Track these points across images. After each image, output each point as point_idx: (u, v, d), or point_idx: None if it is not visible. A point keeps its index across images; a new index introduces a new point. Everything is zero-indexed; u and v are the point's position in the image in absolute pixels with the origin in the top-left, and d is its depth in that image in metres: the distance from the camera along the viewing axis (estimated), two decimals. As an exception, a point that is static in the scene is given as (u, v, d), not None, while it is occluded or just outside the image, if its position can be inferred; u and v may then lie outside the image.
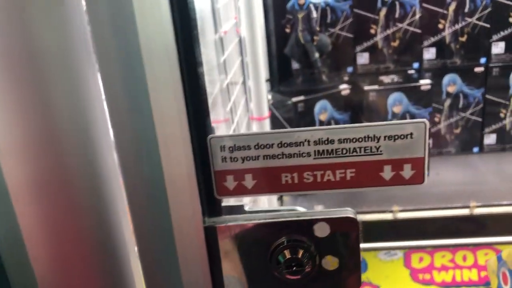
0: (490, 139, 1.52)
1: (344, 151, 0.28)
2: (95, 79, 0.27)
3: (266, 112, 1.07)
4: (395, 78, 1.37)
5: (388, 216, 1.28)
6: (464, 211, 1.26)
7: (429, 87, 1.32)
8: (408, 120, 0.28)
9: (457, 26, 1.39)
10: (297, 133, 0.28)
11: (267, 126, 1.10)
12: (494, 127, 1.50)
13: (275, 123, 1.41)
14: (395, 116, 1.34)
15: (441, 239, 1.39)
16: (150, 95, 0.25)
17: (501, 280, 0.85)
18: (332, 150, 0.28)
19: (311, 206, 1.27)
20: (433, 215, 1.27)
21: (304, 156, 0.29)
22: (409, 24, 1.39)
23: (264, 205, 1.08)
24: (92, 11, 0.25)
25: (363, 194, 1.37)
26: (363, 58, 1.44)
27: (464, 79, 1.45)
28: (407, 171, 0.29)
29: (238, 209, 0.32)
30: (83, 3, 0.26)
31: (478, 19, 1.39)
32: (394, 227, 1.36)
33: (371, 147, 0.28)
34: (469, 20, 1.39)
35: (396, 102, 1.33)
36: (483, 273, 1.38)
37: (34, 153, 0.26)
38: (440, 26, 1.40)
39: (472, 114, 1.49)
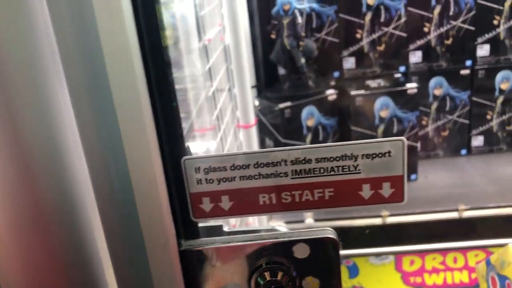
0: (477, 141, 1.53)
1: (322, 171, 0.28)
2: (64, 100, 0.26)
3: (252, 120, 1.07)
4: (381, 82, 1.38)
5: (377, 221, 1.27)
6: (453, 214, 1.26)
7: (415, 90, 1.32)
8: (385, 139, 0.27)
9: (442, 29, 1.40)
10: (274, 153, 0.28)
11: (254, 134, 1.09)
12: (481, 129, 1.51)
13: (262, 129, 1.41)
14: (382, 120, 1.34)
15: (431, 243, 1.39)
16: (119, 120, 0.24)
17: (490, 285, 0.85)
18: (309, 169, 0.28)
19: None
20: (422, 219, 1.27)
21: (282, 176, 0.28)
22: (395, 28, 1.39)
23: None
24: (58, 28, 0.24)
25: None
26: (349, 63, 1.44)
27: (450, 82, 1.45)
28: (386, 190, 0.28)
29: (216, 230, 0.31)
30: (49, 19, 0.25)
31: (463, 22, 1.40)
32: (383, 231, 1.36)
33: (349, 166, 0.28)
34: (454, 23, 1.39)
35: (383, 106, 1.33)
36: (473, 275, 1.38)
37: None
38: (426, 29, 1.40)
39: (459, 116, 1.49)
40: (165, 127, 0.27)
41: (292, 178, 0.28)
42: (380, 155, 0.28)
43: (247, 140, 1.07)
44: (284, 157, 0.28)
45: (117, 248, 0.29)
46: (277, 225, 0.32)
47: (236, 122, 1.11)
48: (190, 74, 1.19)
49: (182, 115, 1.46)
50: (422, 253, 1.39)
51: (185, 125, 1.26)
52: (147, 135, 0.25)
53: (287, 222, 1.27)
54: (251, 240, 0.29)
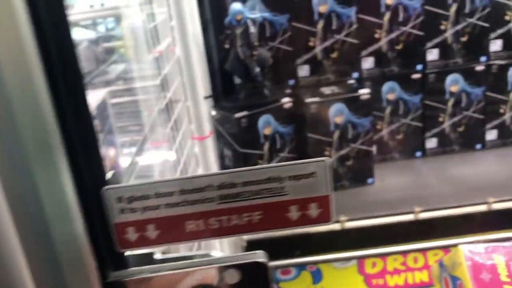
0: (431, 143, 1.57)
1: (249, 194, 0.27)
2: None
3: (207, 131, 1.06)
4: (335, 89, 1.40)
5: (336, 227, 1.29)
6: (409, 217, 1.29)
7: (368, 96, 1.35)
8: (309, 160, 0.27)
9: (393, 35, 1.43)
10: (199, 178, 0.27)
11: (209, 145, 1.09)
12: (434, 131, 1.56)
13: (220, 139, 1.40)
14: (337, 126, 1.36)
15: (391, 245, 1.42)
16: (26, 148, 0.23)
17: (443, 285, 0.87)
18: (236, 193, 0.27)
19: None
20: (379, 222, 1.29)
21: (208, 202, 0.27)
22: (347, 35, 1.42)
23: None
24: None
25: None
26: (304, 71, 1.46)
27: (402, 86, 1.49)
28: (313, 210, 0.28)
29: (147, 258, 0.31)
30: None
31: (412, 27, 1.44)
32: (343, 236, 1.38)
33: (275, 188, 0.27)
34: (403, 28, 1.43)
35: (338, 112, 1.35)
36: (432, 274, 1.41)
37: None
38: (377, 35, 1.44)
39: (412, 119, 1.53)
40: (82, 154, 0.26)
41: (219, 203, 0.28)
42: (305, 176, 0.27)
43: (202, 152, 1.06)
44: (210, 182, 0.27)
45: (41, 283, 0.27)
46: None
47: (190, 134, 1.10)
48: (141, 86, 1.17)
49: (135, 127, 1.43)
50: (383, 255, 1.42)
51: (138, 138, 1.24)
52: (57, 165, 0.24)
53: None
54: (180, 268, 0.29)
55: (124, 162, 1.05)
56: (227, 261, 0.28)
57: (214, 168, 1.11)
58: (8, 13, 0.21)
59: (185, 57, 0.99)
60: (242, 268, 0.28)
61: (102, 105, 0.89)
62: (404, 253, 1.36)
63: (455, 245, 1.29)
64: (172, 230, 0.28)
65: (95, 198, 0.27)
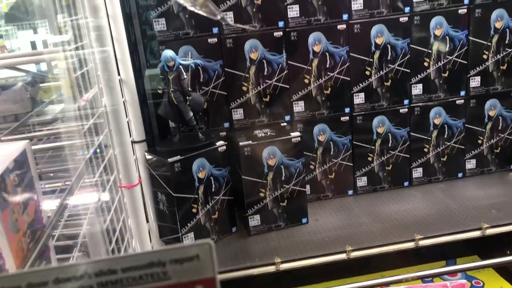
0: (361, 181, 1.63)
1: (130, 280, 0.27)
2: None
3: (135, 179, 1.04)
4: (268, 132, 1.43)
5: (271, 269, 1.29)
6: (342, 256, 1.31)
7: (299, 139, 1.39)
8: (191, 243, 0.28)
9: (321, 81, 1.50)
10: (74, 267, 0.26)
11: (138, 193, 1.07)
12: (364, 170, 1.62)
13: (154, 183, 1.38)
14: (270, 168, 1.39)
15: (323, 283, 1.43)
16: None
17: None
18: (116, 280, 0.27)
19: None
20: (313, 262, 1.30)
21: (87, 290, 0.27)
22: (277, 80, 1.46)
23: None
24: None
25: (247, 248, 1.38)
26: (238, 114, 1.48)
27: (332, 128, 1.55)
28: (198, 292, 0.28)
29: None
30: None
31: (339, 72, 1.51)
32: (279, 277, 1.38)
33: (158, 273, 0.27)
34: (331, 74, 1.50)
35: (270, 155, 1.37)
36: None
37: None
38: (306, 81, 1.49)
39: (342, 159, 1.58)
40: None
41: (99, 291, 0.27)
42: (188, 259, 0.28)
43: (131, 201, 1.04)
44: (87, 270, 0.27)
45: None
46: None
47: (119, 183, 1.07)
48: (70, 131, 1.14)
49: (66, 174, 1.38)
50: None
51: (62, 184, 1.19)
52: None
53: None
54: None
55: (48, 208, 1.01)
56: None
57: (143, 215, 1.09)
58: None
59: (111, 104, 0.98)
60: None
61: (21, 157, 0.85)
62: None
63: (390, 283, 1.33)
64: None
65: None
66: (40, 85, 2.32)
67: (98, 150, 1.13)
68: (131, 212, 1.04)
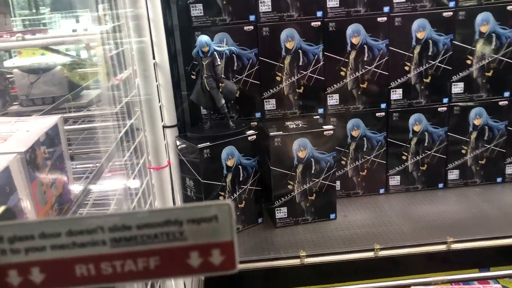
0: (394, 180, 1.58)
1: (145, 238, 0.26)
2: None
3: (164, 162, 1.04)
4: (300, 123, 1.40)
5: (295, 262, 1.26)
6: (369, 254, 1.28)
7: (331, 132, 1.35)
8: (211, 202, 0.26)
9: (358, 74, 1.46)
10: (88, 220, 0.25)
11: (166, 176, 1.06)
12: (397, 169, 1.57)
13: (183, 169, 1.38)
14: (300, 161, 1.36)
15: (349, 282, 1.40)
16: None
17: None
18: (130, 237, 0.26)
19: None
20: (339, 258, 1.27)
21: (100, 245, 0.26)
22: (313, 72, 1.43)
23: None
24: None
25: (273, 240, 1.36)
26: (270, 104, 1.46)
27: (366, 124, 1.50)
28: (216, 257, 0.26)
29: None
30: None
31: (376, 67, 1.46)
32: (303, 271, 1.35)
33: (174, 233, 0.26)
34: (368, 67, 1.46)
35: (301, 147, 1.35)
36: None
37: None
38: (342, 73, 1.46)
39: (375, 157, 1.54)
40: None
41: (112, 247, 0.26)
42: (206, 219, 0.26)
43: (158, 183, 1.03)
44: (101, 224, 0.25)
45: None
46: None
47: (148, 164, 1.07)
48: (103, 113, 1.15)
49: (95, 154, 1.40)
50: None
51: (96, 165, 1.20)
52: None
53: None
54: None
55: (77, 189, 1.01)
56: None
57: (170, 199, 1.08)
58: None
59: (144, 86, 0.97)
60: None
61: (53, 132, 0.86)
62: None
63: (416, 284, 1.28)
64: (60, 274, 0.26)
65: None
66: (78, 70, 2.37)
67: (129, 133, 1.13)
68: (159, 194, 1.03)
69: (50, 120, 0.88)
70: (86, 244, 0.25)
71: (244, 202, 1.39)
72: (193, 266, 0.26)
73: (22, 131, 0.81)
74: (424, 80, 1.48)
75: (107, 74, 1.06)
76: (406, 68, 1.47)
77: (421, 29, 1.43)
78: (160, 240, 0.26)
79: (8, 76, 2.19)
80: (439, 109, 1.52)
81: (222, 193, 1.35)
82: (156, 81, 1.21)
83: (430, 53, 1.46)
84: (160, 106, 1.23)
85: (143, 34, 0.97)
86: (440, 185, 1.60)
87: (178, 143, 1.37)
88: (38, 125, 0.84)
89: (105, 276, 0.26)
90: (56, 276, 0.26)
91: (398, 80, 1.48)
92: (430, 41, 1.45)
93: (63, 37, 1.43)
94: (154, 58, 1.20)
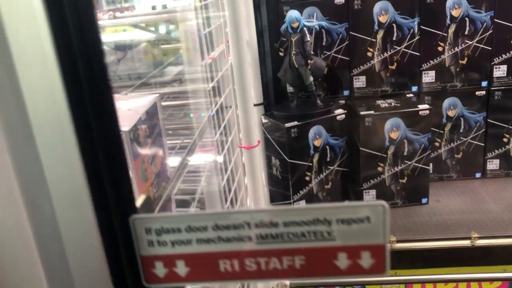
0: (493, 164, 1.47)
1: (291, 236, 0.24)
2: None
3: (255, 141, 1.03)
4: (392, 102, 1.33)
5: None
6: (465, 242, 1.20)
7: (427, 112, 1.27)
8: (363, 202, 0.24)
9: (457, 49, 1.35)
10: (235, 214, 0.24)
11: (256, 155, 1.06)
12: (497, 152, 1.45)
13: (269, 147, 1.37)
14: (392, 142, 1.30)
15: (443, 269, 1.33)
16: (45, 169, 0.21)
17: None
18: (277, 234, 0.24)
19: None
20: (432, 245, 1.21)
21: (245, 241, 0.24)
22: (407, 47, 1.35)
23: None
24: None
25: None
26: (359, 82, 1.40)
27: (464, 103, 1.40)
28: (366, 260, 0.24)
29: (177, 292, 0.28)
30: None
31: (479, 41, 1.35)
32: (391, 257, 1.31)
33: (322, 232, 0.24)
34: (469, 42, 1.34)
35: (393, 127, 1.28)
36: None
37: None
38: (440, 48, 1.36)
39: (473, 139, 1.43)
40: (111, 181, 0.23)
41: (257, 243, 0.25)
42: (357, 220, 0.24)
43: (249, 162, 1.03)
44: (247, 219, 0.24)
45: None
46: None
47: (239, 143, 1.07)
48: (193, 90, 1.16)
49: (185, 131, 1.43)
50: (434, 282, 1.33)
51: (188, 141, 1.23)
52: (78, 192, 0.22)
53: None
54: (211, 310, 0.26)
55: (172, 163, 1.04)
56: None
57: (260, 177, 1.08)
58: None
59: (237, 65, 0.96)
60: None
61: (152, 110, 0.88)
62: (458, 281, 1.27)
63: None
64: (204, 268, 0.25)
65: (122, 226, 0.24)
66: (162, 46, 2.42)
67: (219, 110, 1.14)
68: (249, 173, 1.03)
69: (149, 99, 0.90)
70: (232, 239, 0.24)
71: (330, 183, 1.36)
72: (340, 268, 0.25)
73: (123, 110, 0.84)
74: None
75: (189, 50, 1.07)
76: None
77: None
78: (307, 239, 0.24)
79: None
80: (549, 87, 1.37)
81: (309, 173, 1.33)
82: (245, 59, 1.20)
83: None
84: (248, 84, 1.22)
85: (238, 9, 0.95)
86: (547, 171, 1.46)
87: (264, 121, 1.36)
88: (138, 104, 0.87)
89: (249, 272, 0.25)
90: (200, 270, 0.25)
91: (503, 55, 1.35)
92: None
93: (154, 14, 1.46)
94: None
